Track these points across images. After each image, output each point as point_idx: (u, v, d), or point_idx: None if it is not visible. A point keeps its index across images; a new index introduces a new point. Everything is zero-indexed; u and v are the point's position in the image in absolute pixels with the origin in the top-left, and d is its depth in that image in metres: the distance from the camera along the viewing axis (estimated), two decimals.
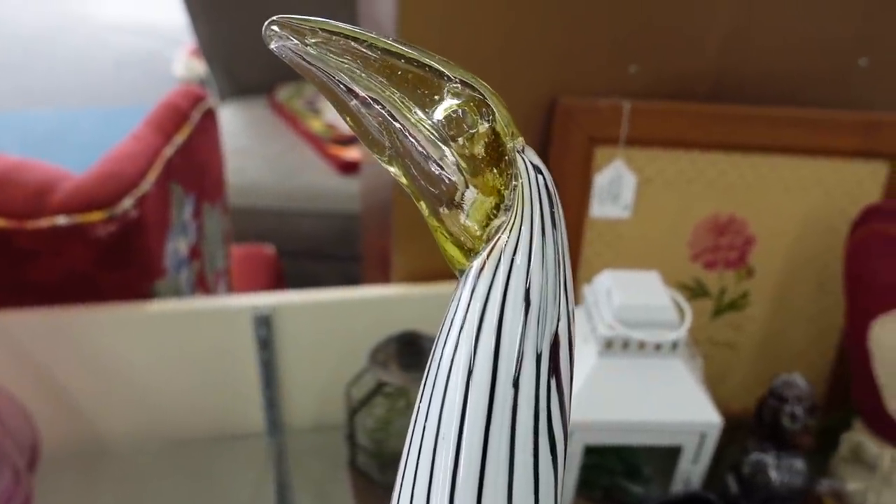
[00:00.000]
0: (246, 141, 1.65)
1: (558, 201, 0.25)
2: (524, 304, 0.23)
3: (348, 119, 0.25)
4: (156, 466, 0.76)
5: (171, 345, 0.74)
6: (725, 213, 0.74)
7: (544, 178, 0.24)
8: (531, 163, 0.25)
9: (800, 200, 0.73)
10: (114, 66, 2.90)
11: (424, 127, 0.23)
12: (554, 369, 0.22)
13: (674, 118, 0.70)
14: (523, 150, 0.25)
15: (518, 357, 0.22)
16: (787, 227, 0.74)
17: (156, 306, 0.72)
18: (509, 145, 0.25)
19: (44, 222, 0.65)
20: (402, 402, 0.72)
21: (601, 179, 0.72)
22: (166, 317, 0.72)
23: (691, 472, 0.64)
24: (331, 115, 1.68)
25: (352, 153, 1.55)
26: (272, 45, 0.24)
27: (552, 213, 0.24)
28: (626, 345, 0.61)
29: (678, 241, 0.75)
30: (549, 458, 0.22)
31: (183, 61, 2.50)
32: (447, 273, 0.77)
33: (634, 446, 0.68)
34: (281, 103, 1.77)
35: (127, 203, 0.67)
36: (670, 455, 0.67)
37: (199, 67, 2.28)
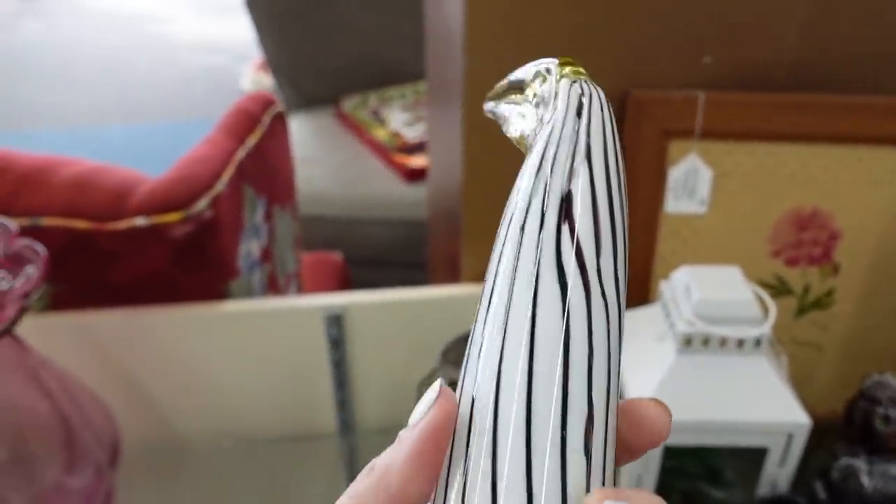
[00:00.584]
0: (313, 151, 1.67)
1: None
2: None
3: None
4: (230, 465, 0.77)
5: (244, 344, 0.74)
6: (808, 207, 0.71)
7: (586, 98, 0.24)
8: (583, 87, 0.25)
9: (888, 193, 0.70)
10: (184, 82, 2.99)
11: None
12: (567, 216, 0.22)
13: (751, 109, 0.68)
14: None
15: (527, 204, 0.22)
16: (875, 220, 0.71)
17: (230, 306, 0.73)
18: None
19: (123, 224, 0.67)
20: None
21: (676, 174, 0.70)
22: (241, 316, 0.73)
23: (777, 475, 0.62)
24: (395, 124, 1.69)
25: (416, 161, 1.55)
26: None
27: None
28: (706, 342, 0.59)
29: (758, 236, 0.72)
30: (557, 293, 0.21)
31: (250, 76, 2.56)
32: None
33: (717, 448, 0.66)
34: (346, 113, 1.79)
35: (202, 204, 0.68)
36: (754, 458, 0.65)
37: (266, 81, 2.33)
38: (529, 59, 0.27)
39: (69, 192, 0.68)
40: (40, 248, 0.60)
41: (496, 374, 0.21)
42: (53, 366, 0.65)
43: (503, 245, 0.23)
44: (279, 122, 0.85)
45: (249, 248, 0.79)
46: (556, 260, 0.22)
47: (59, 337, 0.71)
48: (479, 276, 0.77)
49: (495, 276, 0.23)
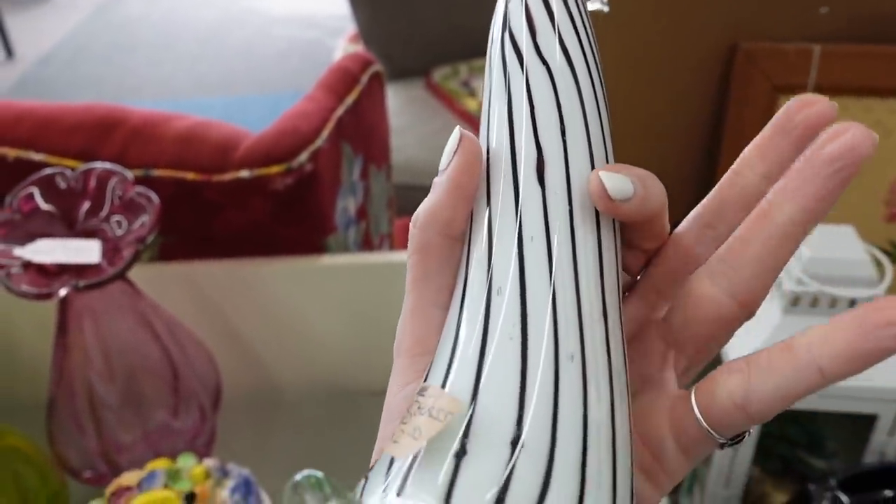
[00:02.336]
0: (404, 121, 1.68)
1: None
2: None
3: None
4: (324, 415, 0.79)
5: (341, 298, 0.76)
6: None
7: None
8: None
9: None
10: (278, 55, 3.05)
11: None
12: (504, 25, 0.26)
13: (869, 63, 0.65)
14: None
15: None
16: None
17: (328, 259, 0.75)
18: None
19: (228, 176, 0.69)
20: None
21: None
22: (338, 270, 0.74)
23: (887, 444, 0.59)
24: None
25: None
26: None
27: None
28: (815, 302, 0.57)
29: (872, 199, 0.69)
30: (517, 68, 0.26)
31: (343, 48, 2.60)
32: None
33: (819, 415, 0.63)
34: (437, 84, 1.79)
35: (303, 157, 0.69)
36: (859, 427, 0.62)
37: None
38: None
39: (178, 145, 0.70)
40: (153, 196, 0.62)
41: (508, 122, 0.25)
42: (162, 311, 0.68)
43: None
44: (377, 81, 0.86)
45: (346, 205, 0.81)
46: (501, 53, 0.26)
47: (166, 286, 0.74)
48: None
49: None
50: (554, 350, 0.23)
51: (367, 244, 0.89)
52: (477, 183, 0.25)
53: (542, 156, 0.25)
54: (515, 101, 0.25)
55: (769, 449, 0.65)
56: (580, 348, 0.23)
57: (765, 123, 0.72)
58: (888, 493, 0.54)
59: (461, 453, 0.22)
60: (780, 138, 0.25)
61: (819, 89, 0.65)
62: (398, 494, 0.22)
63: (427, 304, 0.26)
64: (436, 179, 0.25)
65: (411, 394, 0.25)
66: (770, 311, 0.58)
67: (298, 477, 0.21)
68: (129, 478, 0.60)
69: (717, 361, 0.26)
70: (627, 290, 0.28)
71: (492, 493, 0.21)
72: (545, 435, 0.22)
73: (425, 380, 0.24)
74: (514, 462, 0.21)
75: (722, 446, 0.25)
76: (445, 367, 0.24)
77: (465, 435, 0.22)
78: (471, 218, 0.25)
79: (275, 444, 0.78)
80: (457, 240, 0.25)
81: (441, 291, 0.25)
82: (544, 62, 0.26)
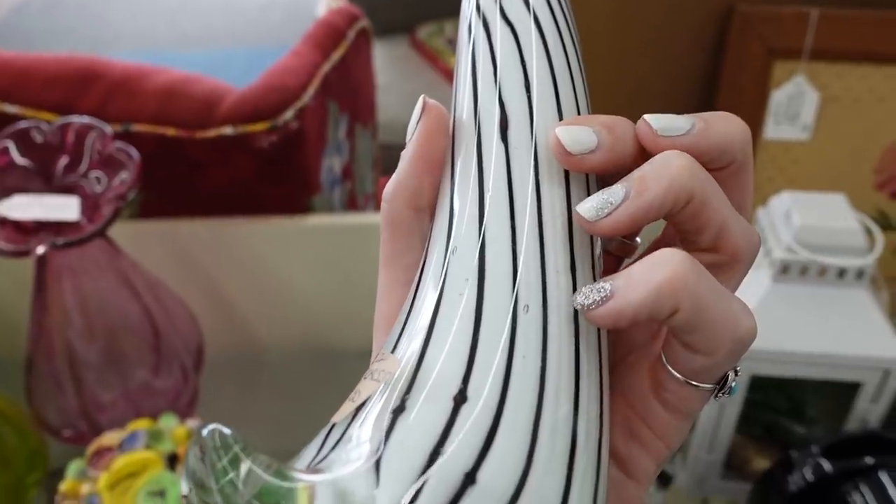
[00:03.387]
0: (388, 79, 1.66)
1: None
2: None
3: None
4: (307, 377, 0.79)
5: (325, 258, 0.75)
6: None
7: None
8: None
9: None
10: (259, 9, 2.99)
11: None
12: None
13: (866, 28, 0.64)
14: None
15: None
16: None
17: (313, 220, 0.73)
18: None
19: (211, 132, 0.67)
20: None
21: (779, 96, 0.66)
22: (323, 231, 0.73)
23: (869, 412, 0.59)
24: None
25: None
26: None
27: None
28: (804, 270, 0.56)
29: (862, 166, 0.68)
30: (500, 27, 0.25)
31: (325, 2, 2.55)
32: None
33: (804, 381, 0.64)
34: (422, 41, 1.76)
35: (288, 114, 0.67)
36: (842, 394, 0.62)
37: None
38: None
39: (160, 100, 0.68)
40: (133, 152, 0.60)
41: (472, 83, 0.24)
42: (143, 270, 0.67)
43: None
44: (363, 37, 0.84)
45: (331, 164, 0.79)
46: (468, 15, 0.25)
47: (147, 244, 0.73)
48: None
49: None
50: (510, 303, 0.22)
51: (352, 204, 0.87)
52: (442, 151, 0.24)
53: (505, 115, 0.24)
54: (480, 62, 0.24)
55: (751, 415, 0.65)
56: (541, 301, 0.22)
57: (759, 88, 0.71)
58: (870, 459, 0.54)
59: (399, 409, 0.21)
60: None
61: (815, 54, 0.64)
62: (327, 455, 0.21)
63: (398, 282, 0.25)
64: (402, 153, 0.25)
65: None
66: (759, 280, 0.58)
67: (204, 432, 0.19)
68: (110, 438, 0.59)
69: None
70: (627, 257, 0.27)
71: (425, 447, 0.20)
72: (494, 389, 0.21)
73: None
74: (454, 416, 0.20)
75: (715, 396, 0.24)
76: (398, 331, 0.23)
77: (407, 392, 0.21)
78: (440, 185, 0.25)
79: (258, 406, 0.77)
80: (425, 212, 0.25)
81: (409, 269, 0.25)
82: (508, 22, 0.25)
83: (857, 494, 0.53)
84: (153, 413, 0.68)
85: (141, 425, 0.60)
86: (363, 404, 0.21)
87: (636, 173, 0.22)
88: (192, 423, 0.60)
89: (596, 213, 0.22)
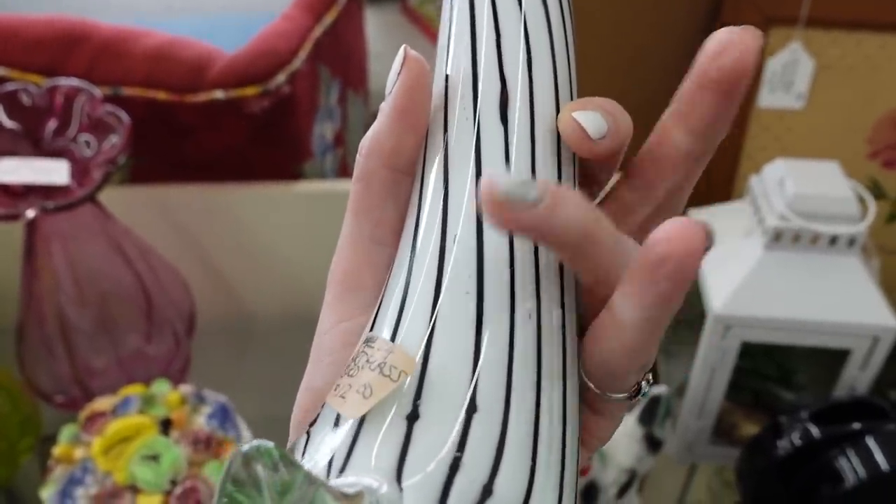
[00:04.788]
0: (379, 47, 1.63)
1: None
2: None
3: None
4: (298, 344, 0.79)
5: (316, 225, 0.74)
6: None
7: None
8: None
9: None
10: None
11: None
12: None
13: None
14: None
15: None
16: None
17: (304, 186, 0.73)
18: None
19: (202, 96, 0.66)
20: None
21: (774, 64, 0.66)
22: (314, 197, 0.73)
23: (857, 378, 0.60)
24: None
25: None
26: None
27: None
28: (796, 238, 0.57)
29: (856, 135, 0.68)
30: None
31: None
32: None
33: (793, 348, 0.64)
34: (413, 9, 1.74)
35: (280, 79, 0.67)
36: (830, 362, 0.63)
37: None
38: None
39: (149, 63, 0.67)
40: (123, 116, 0.60)
41: (471, 50, 0.23)
42: (134, 236, 0.67)
43: None
44: (355, 2, 0.83)
45: (323, 130, 0.79)
46: None
47: (137, 209, 0.72)
48: None
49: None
50: (510, 307, 0.21)
51: (343, 172, 0.87)
52: (424, 109, 0.23)
53: (505, 90, 0.22)
54: (480, 28, 0.23)
55: (740, 382, 0.66)
56: (536, 306, 0.21)
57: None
58: (857, 425, 0.55)
59: (413, 417, 0.20)
60: (700, 96, 0.22)
61: (811, 22, 0.64)
62: (347, 458, 0.20)
63: (363, 238, 0.24)
64: (381, 105, 0.23)
65: (347, 334, 0.23)
66: (751, 247, 0.58)
67: (246, 448, 0.18)
68: (102, 403, 0.59)
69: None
70: None
71: (445, 460, 0.20)
72: (500, 399, 0.21)
73: (371, 328, 0.22)
74: (469, 427, 0.20)
75: (630, 401, 0.24)
76: (395, 317, 0.22)
77: (417, 396, 0.20)
78: (424, 151, 0.23)
79: (249, 372, 0.78)
80: (403, 173, 0.23)
81: (380, 226, 0.24)
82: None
83: (845, 459, 0.54)
84: (145, 379, 0.68)
85: (134, 391, 0.60)
86: (374, 401, 0.20)
87: None
88: (185, 388, 0.60)
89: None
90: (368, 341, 0.22)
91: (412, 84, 0.22)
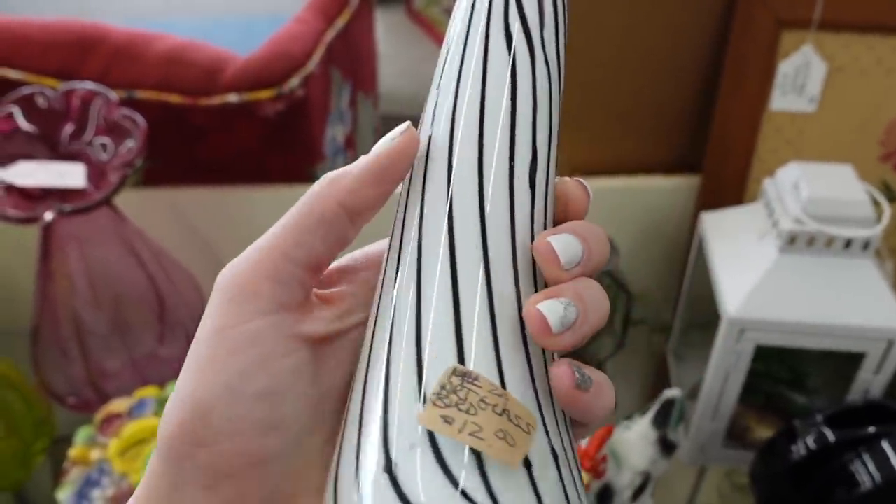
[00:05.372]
0: (385, 49, 1.64)
1: None
2: None
3: None
4: None
5: None
6: None
7: None
8: None
9: None
10: None
11: None
12: None
13: None
14: None
15: None
16: None
17: None
18: None
19: (216, 100, 0.67)
20: None
21: (786, 67, 0.66)
22: None
23: (872, 382, 0.60)
24: None
25: None
26: None
27: None
28: (811, 241, 0.57)
29: (868, 139, 0.68)
30: (505, 51, 0.24)
31: None
32: (607, 167, 0.74)
33: (806, 351, 0.64)
34: (418, 11, 1.74)
35: (294, 82, 0.67)
36: (844, 365, 0.63)
37: None
38: None
39: (163, 67, 0.67)
40: (139, 119, 0.60)
41: (451, 117, 0.24)
42: (147, 238, 0.67)
43: (453, 19, 0.26)
44: (366, 5, 0.83)
45: (335, 133, 0.79)
46: (505, 28, 0.24)
47: (150, 211, 0.72)
48: (566, 170, 0.75)
49: (447, 44, 0.25)
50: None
51: None
52: (398, 177, 0.24)
53: (535, 160, 0.24)
54: (520, 97, 0.24)
55: (752, 384, 0.66)
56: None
57: (767, 59, 0.71)
58: (872, 429, 0.55)
59: (528, 464, 0.22)
60: None
61: (824, 25, 0.64)
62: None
63: (279, 250, 0.23)
64: (361, 157, 0.24)
65: (232, 341, 0.22)
66: (766, 250, 0.58)
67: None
68: (118, 405, 0.60)
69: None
70: None
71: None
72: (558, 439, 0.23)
73: (389, 347, 0.22)
74: (561, 471, 0.22)
75: None
76: (455, 351, 0.22)
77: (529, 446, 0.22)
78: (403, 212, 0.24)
79: None
80: (347, 213, 0.24)
81: (300, 246, 0.23)
82: (547, 61, 0.25)
83: (860, 463, 0.54)
84: (158, 381, 0.68)
85: (148, 393, 0.61)
86: (520, 453, 0.21)
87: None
88: None
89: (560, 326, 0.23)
90: (466, 377, 0.21)
91: (403, 150, 0.24)
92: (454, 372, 0.22)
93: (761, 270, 0.58)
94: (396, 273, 0.24)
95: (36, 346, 0.67)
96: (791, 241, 0.57)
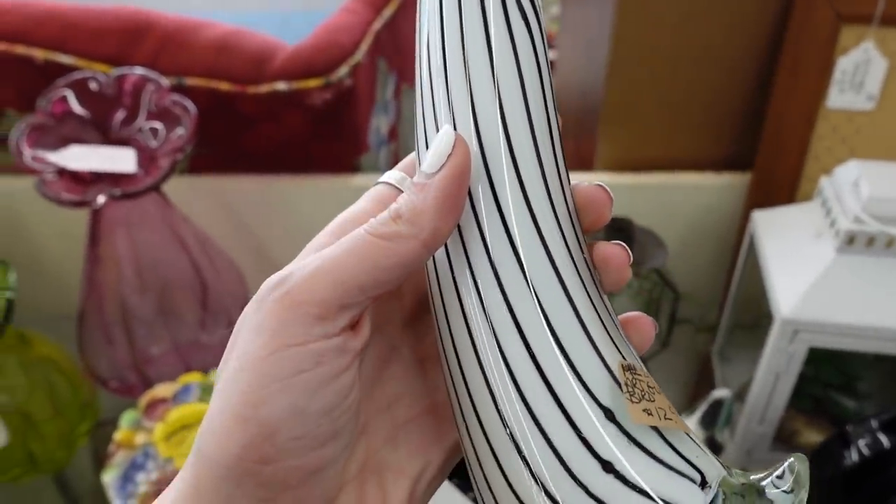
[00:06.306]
0: None
1: None
2: None
3: None
4: None
5: None
6: None
7: None
8: None
9: None
10: None
11: None
12: None
13: None
14: None
15: None
16: None
17: (361, 179, 0.73)
18: None
19: (264, 88, 0.67)
20: None
21: (845, 64, 0.64)
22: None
23: None
24: None
25: None
26: None
27: None
28: (870, 241, 0.55)
29: None
30: (524, 29, 0.23)
31: None
32: (657, 163, 0.73)
33: (857, 355, 0.63)
34: None
35: (342, 71, 0.67)
36: (894, 369, 0.62)
37: None
38: None
39: (212, 54, 0.67)
40: (190, 106, 0.60)
41: (472, 116, 0.23)
42: (192, 225, 0.67)
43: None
44: None
45: (379, 124, 0.79)
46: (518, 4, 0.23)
47: (195, 198, 0.72)
48: (615, 164, 0.74)
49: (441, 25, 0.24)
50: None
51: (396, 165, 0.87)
52: (465, 195, 0.23)
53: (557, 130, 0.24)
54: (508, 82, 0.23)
55: (802, 388, 0.65)
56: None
57: (825, 55, 0.69)
58: None
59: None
60: None
61: (886, 20, 0.62)
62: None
63: (359, 283, 0.22)
64: (417, 180, 0.23)
65: (295, 360, 0.22)
66: (822, 250, 0.57)
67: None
68: (163, 390, 0.60)
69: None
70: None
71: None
72: None
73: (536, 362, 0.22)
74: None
75: None
76: (587, 342, 0.23)
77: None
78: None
79: None
80: (431, 251, 0.23)
81: (377, 284, 0.22)
82: (540, 24, 0.24)
83: None
84: (201, 367, 0.68)
85: (193, 378, 0.61)
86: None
87: None
88: None
89: None
90: (630, 369, 0.23)
91: (461, 171, 0.22)
92: (623, 368, 0.23)
93: (817, 271, 0.56)
94: (475, 296, 0.23)
95: (82, 330, 0.68)
96: (849, 242, 0.55)
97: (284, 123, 0.69)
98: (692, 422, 0.58)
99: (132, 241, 0.63)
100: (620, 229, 0.66)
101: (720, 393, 0.58)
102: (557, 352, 0.22)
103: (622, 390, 0.22)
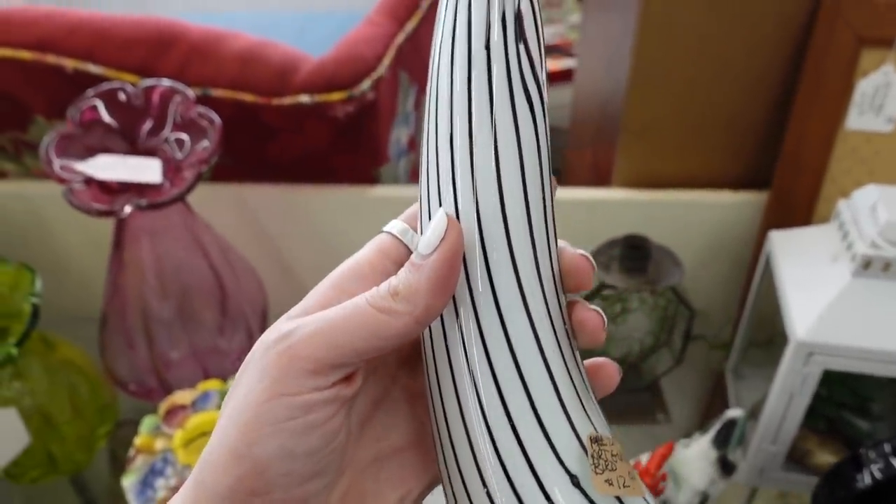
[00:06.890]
0: None
1: None
2: None
3: None
4: None
5: None
6: None
7: None
8: None
9: None
10: None
11: None
12: (521, 36, 0.24)
13: None
14: None
15: (486, 24, 0.24)
16: None
17: (380, 190, 0.74)
18: None
19: (288, 100, 0.68)
20: (618, 307, 0.70)
21: (865, 86, 0.64)
22: (389, 201, 0.74)
23: None
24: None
25: (562, 63, 1.50)
26: None
27: None
28: (887, 266, 0.55)
29: None
30: (527, 109, 0.25)
31: None
32: (674, 180, 0.74)
33: (872, 377, 0.63)
34: None
35: (365, 85, 0.67)
36: None
37: None
38: None
39: (237, 66, 0.69)
40: (215, 118, 0.61)
41: (473, 195, 0.25)
42: (214, 232, 0.68)
43: (449, 62, 0.26)
44: (435, 8, 0.83)
45: (399, 135, 0.79)
46: (521, 79, 0.24)
47: (218, 206, 0.74)
48: (633, 180, 0.75)
49: (449, 90, 0.25)
50: None
51: (415, 176, 0.87)
52: (458, 274, 0.24)
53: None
54: (536, 156, 0.25)
55: (815, 409, 0.65)
56: None
57: (845, 77, 0.69)
58: None
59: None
60: None
61: None
62: None
63: (354, 348, 0.24)
64: (414, 259, 0.24)
65: (291, 409, 0.24)
66: (838, 274, 0.57)
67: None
68: (182, 396, 0.61)
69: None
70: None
71: None
72: None
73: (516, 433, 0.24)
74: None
75: None
76: (566, 418, 0.25)
77: None
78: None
79: None
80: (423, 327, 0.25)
81: (373, 350, 0.24)
82: (543, 102, 0.25)
83: None
84: (219, 374, 0.69)
85: (212, 385, 0.62)
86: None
87: None
88: None
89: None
90: (597, 441, 0.25)
91: (454, 255, 0.24)
92: (592, 440, 0.24)
93: (832, 294, 0.57)
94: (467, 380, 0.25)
95: (104, 333, 0.69)
96: (865, 266, 0.56)
97: (307, 135, 0.70)
98: (705, 441, 0.59)
99: (155, 248, 0.64)
100: (637, 246, 0.66)
101: (734, 413, 0.59)
102: (533, 417, 0.24)
103: (589, 461, 0.24)
